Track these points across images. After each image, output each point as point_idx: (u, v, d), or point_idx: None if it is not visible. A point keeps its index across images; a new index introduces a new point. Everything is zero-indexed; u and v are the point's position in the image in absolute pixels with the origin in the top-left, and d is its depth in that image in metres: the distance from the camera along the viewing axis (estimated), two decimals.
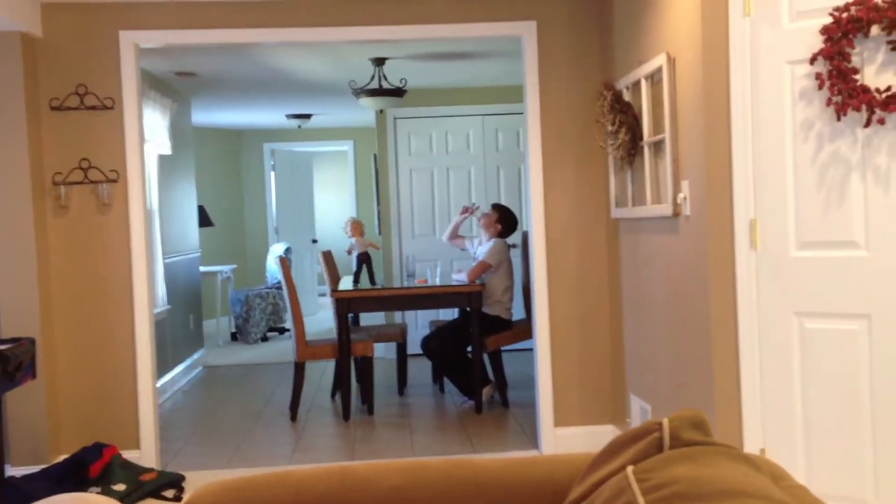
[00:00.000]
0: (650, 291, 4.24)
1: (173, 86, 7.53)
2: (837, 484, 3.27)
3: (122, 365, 4.78)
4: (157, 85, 7.01)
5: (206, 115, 9.74)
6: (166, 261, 7.11)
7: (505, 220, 6.32)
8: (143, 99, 6.17)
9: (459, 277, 6.22)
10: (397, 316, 8.22)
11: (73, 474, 4.34)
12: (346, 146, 12.15)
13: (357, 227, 6.64)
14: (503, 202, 8.19)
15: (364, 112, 9.83)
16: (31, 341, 4.05)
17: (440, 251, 8.22)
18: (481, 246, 6.37)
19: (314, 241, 11.82)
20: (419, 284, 6.14)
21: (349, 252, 6.67)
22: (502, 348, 6.28)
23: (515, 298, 6.71)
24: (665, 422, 1.46)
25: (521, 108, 5.13)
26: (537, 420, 5.05)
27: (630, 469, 1.39)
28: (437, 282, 6.26)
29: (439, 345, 6.22)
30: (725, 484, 1.25)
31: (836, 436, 3.27)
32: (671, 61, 3.79)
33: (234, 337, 9.88)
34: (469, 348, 6.18)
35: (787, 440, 3.37)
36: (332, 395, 6.64)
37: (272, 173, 11.27)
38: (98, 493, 4.16)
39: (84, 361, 4.76)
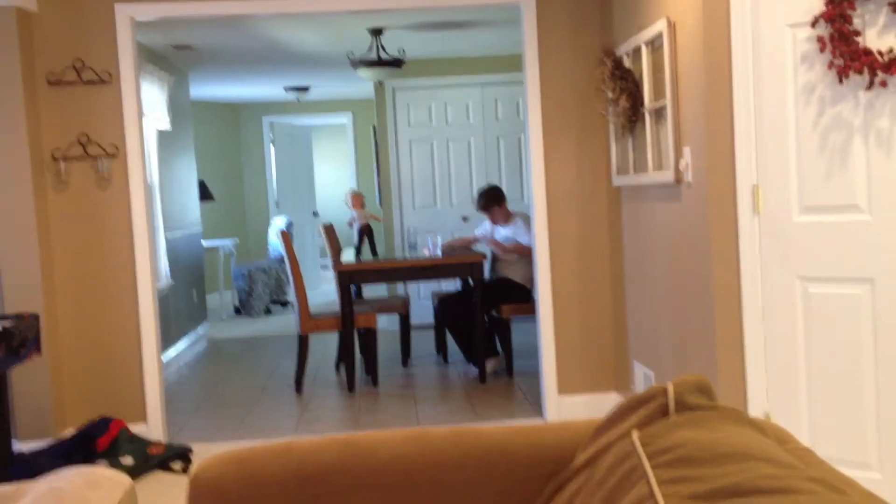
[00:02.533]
0: (652, 258, 4.24)
1: (171, 60, 7.49)
2: (841, 448, 3.28)
3: (126, 339, 4.79)
4: (155, 59, 6.97)
5: (205, 89, 9.69)
6: (168, 236, 7.11)
7: (501, 196, 6.34)
8: (141, 73, 6.13)
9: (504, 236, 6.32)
10: (399, 288, 8.22)
11: (80, 448, 4.37)
12: (345, 118, 12.10)
13: (358, 199, 6.63)
14: (503, 172, 8.18)
15: (363, 84, 9.77)
16: (35, 317, 4.05)
17: (441, 222, 8.21)
18: (506, 229, 6.36)
19: (315, 215, 11.81)
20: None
21: (350, 225, 6.68)
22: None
23: None
24: (670, 387, 1.46)
25: (521, 77, 5.10)
26: (541, 388, 5.07)
27: (635, 434, 1.39)
28: (438, 253, 6.25)
29: (454, 311, 6.23)
30: (731, 447, 1.26)
31: (840, 400, 3.27)
32: (672, 26, 3.76)
33: (237, 311, 9.90)
34: (486, 316, 6.23)
35: (791, 405, 3.38)
36: (336, 367, 6.66)
37: (272, 147, 11.24)
38: (106, 466, 4.18)
39: (88, 336, 4.77)
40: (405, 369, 6.56)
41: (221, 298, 9.78)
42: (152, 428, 4.79)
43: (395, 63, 6.59)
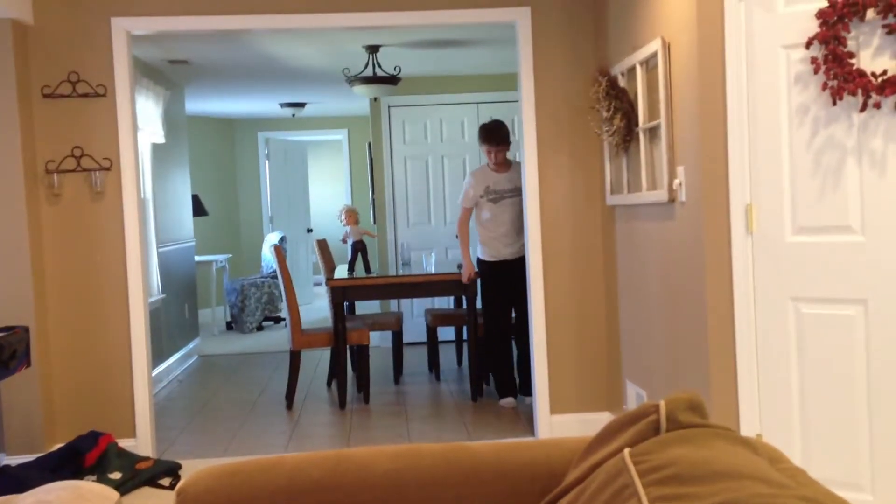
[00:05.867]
0: (646, 278, 4.24)
1: (166, 74, 7.50)
2: (833, 468, 3.27)
3: (117, 353, 4.77)
4: (150, 73, 6.97)
5: (200, 104, 9.70)
6: (161, 250, 7.09)
7: (506, 134, 5.74)
8: (136, 87, 6.13)
9: None
10: (392, 304, 8.21)
11: (68, 463, 4.34)
12: (340, 135, 12.12)
13: (352, 215, 6.62)
14: None
15: (358, 100, 9.80)
16: (25, 329, 4.04)
17: (435, 239, 8.21)
18: (502, 177, 5.73)
19: (309, 230, 11.80)
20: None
21: (344, 241, 6.66)
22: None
23: None
24: (662, 404, 1.46)
25: (516, 96, 5.12)
26: (534, 407, 5.05)
27: (627, 451, 1.38)
28: (433, 270, 6.24)
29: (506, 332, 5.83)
30: (722, 466, 1.25)
31: (833, 421, 3.27)
32: (666, 46, 3.78)
33: (229, 326, 9.87)
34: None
35: (783, 425, 3.37)
36: (328, 384, 6.64)
37: (266, 162, 11.24)
38: (94, 481, 4.15)
39: (79, 350, 4.75)
40: (397, 386, 6.54)
41: (213, 314, 9.75)
42: (141, 443, 4.76)
43: (391, 80, 6.60)
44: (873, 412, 3.18)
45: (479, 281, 5.89)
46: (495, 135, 5.70)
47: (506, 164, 5.78)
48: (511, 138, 5.83)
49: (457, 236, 6.13)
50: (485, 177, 5.78)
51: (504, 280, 5.76)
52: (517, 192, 5.62)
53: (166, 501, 4.16)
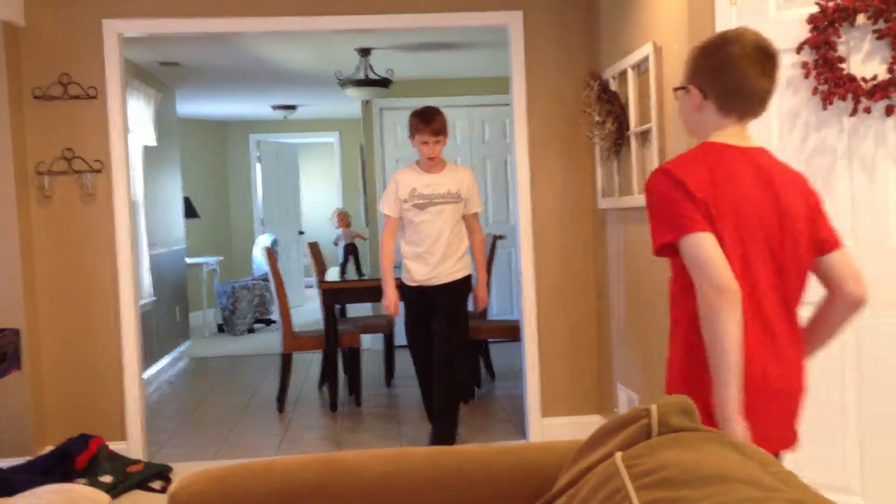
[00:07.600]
0: (637, 280, 4.25)
1: (158, 76, 7.48)
2: (823, 472, 3.28)
3: (107, 356, 4.75)
4: (142, 75, 6.96)
5: (191, 106, 9.68)
6: (152, 252, 7.07)
7: (444, 123, 4.75)
8: (128, 89, 6.12)
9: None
10: None
11: (59, 466, 4.32)
12: (332, 137, 12.11)
13: (344, 218, 6.63)
14: (489, 194, 8.18)
15: (350, 103, 9.78)
16: (16, 332, 4.02)
17: None
18: (441, 178, 4.72)
19: (301, 233, 11.79)
20: None
21: (336, 243, 6.66)
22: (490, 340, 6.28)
23: (513, 295, 6.59)
24: (653, 408, 1.46)
25: (508, 99, 5.12)
26: (525, 410, 5.05)
27: (618, 455, 1.38)
28: None
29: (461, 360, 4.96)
30: (713, 469, 1.25)
31: (823, 424, 3.27)
32: (658, 51, 3.79)
33: (220, 329, 9.85)
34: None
35: None
36: (320, 387, 6.63)
37: (258, 165, 11.23)
38: (84, 484, 4.13)
39: (69, 352, 4.73)
40: (389, 389, 6.54)
41: (204, 316, 9.73)
42: (132, 446, 4.75)
43: (383, 83, 6.60)
44: (864, 416, 3.19)
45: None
46: (434, 120, 4.66)
47: (441, 163, 4.80)
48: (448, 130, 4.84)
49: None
50: (413, 178, 4.74)
51: (426, 313, 4.75)
52: (452, 198, 4.68)
53: None
